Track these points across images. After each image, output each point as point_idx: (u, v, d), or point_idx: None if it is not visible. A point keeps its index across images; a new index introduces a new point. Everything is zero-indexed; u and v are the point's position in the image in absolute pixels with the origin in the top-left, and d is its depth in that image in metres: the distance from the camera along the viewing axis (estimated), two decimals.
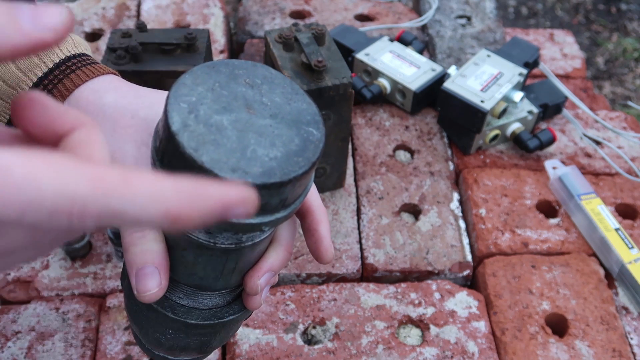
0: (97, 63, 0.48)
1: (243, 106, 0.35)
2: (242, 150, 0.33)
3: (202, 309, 0.43)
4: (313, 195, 0.44)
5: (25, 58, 0.44)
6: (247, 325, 0.71)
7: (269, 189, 0.33)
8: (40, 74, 0.46)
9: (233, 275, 0.42)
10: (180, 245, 0.39)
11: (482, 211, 0.83)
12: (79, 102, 0.45)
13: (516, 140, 0.90)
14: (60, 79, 0.46)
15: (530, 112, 0.91)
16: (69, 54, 0.47)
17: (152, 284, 0.38)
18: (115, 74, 0.48)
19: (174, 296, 0.42)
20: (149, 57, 0.74)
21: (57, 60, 0.47)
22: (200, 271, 0.40)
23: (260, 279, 0.42)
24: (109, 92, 0.45)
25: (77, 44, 0.49)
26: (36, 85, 0.46)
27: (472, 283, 0.80)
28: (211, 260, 0.40)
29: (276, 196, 0.34)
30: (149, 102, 0.44)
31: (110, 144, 0.42)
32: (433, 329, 0.72)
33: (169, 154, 0.34)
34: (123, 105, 0.44)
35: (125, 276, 0.45)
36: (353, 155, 0.90)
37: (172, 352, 0.46)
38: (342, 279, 0.78)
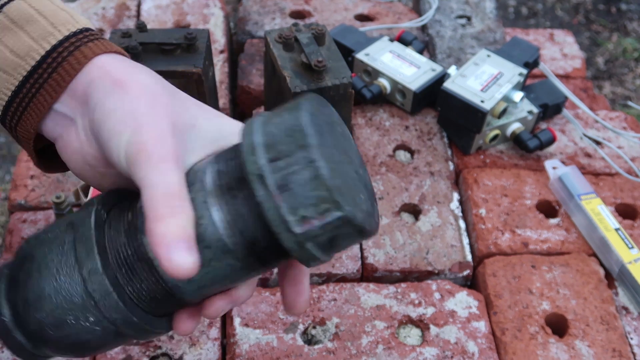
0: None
1: (345, 153, 0.38)
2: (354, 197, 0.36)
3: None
4: None
5: (38, 26, 0.43)
6: (247, 325, 0.71)
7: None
8: (54, 42, 0.43)
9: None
10: None
11: (482, 211, 0.83)
12: (104, 67, 0.42)
13: (516, 140, 0.90)
14: (78, 46, 0.43)
15: (530, 112, 0.91)
16: (83, 27, 0.44)
17: None
18: None
19: None
20: (149, 57, 0.74)
21: (74, 30, 0.44)
22: None
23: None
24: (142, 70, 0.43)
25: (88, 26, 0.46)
26: (49, 52, 0.43)
27: (472, 283, 0.80)
28: None
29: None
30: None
31: (144, 115, 0.39)
32: (433, 329, 0.72)
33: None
34: (161, 84, 0.42)
35: None
36: None
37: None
38: (342, 279, 0.78)
